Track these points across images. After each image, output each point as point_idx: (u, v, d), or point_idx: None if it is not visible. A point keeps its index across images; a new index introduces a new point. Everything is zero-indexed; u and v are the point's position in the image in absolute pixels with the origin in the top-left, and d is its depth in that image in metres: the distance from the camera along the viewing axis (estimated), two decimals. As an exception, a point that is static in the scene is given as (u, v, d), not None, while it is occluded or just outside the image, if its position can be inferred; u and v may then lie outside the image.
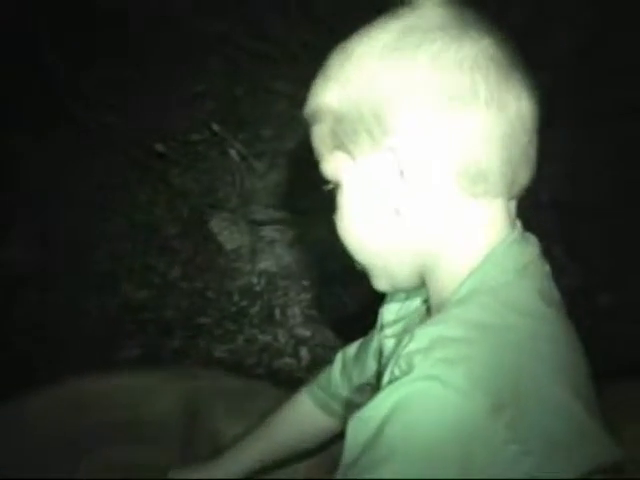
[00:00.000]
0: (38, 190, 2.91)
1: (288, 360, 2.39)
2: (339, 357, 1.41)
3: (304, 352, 2.41)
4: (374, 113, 0.88)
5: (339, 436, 1.42)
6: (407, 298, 1.16)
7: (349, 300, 2.48)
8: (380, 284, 1.02)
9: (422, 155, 0.88)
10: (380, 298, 2.41)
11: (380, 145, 0.89)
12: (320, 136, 0.95)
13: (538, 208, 2.52)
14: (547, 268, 0.94)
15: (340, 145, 0.93)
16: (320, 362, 2.39)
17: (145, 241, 2.82)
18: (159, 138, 2.81)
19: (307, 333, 2.47)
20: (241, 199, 2.82)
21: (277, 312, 2.55)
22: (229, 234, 2.76)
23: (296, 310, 2.55)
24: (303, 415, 1.44)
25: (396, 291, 1.14)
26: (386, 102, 0.87)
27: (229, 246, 2.75)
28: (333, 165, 0.95)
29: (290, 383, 2.19)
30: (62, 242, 2.81)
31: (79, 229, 2.86)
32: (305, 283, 2.62)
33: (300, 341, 2.45)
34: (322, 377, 1.44)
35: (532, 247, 0.94)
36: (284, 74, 2.96)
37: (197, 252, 2.77)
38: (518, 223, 0.95)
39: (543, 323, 0.87)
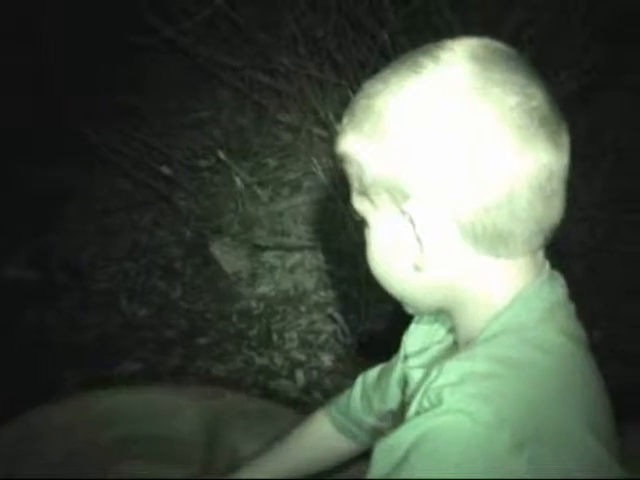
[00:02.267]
0: (42, 210, 2.98)
1: (284, 382, 2.45)
2: (359, 382, 1.37)
3: (300, 375, 2.46)
4: (396, 178, 0.87)
5: (351, 461, 1.43)
6: (432, 328, 1.14)
7: (345, 326, 2.53)
8: (407, 309, 1.01)
9: (439, 221, 0.87)
10: (376, 328, 2.49)
11: (399, 206, 0.88)
12: (348, 175, 0.94)
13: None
14: (572, 307, 0.94)
15: (364, 193, 0.92)
16: (315, 385, 2.44)
17: (148, 262, 2.89)
18: (166, 162, 2.88)
19: (302, 357, 2.53)
20: (243, 225, 2.88)
21: (274, 336, 2.60)
22: (230, 258, 2.82)
23: (293, 334, 2.60)
24: (321, 436, 1.41)
25: (421, 315, 1.13)
26: (408, 170, 0.86)
27: (229, 270, 2.81)
28: (358, 204, 0.94)
29: (286, 404, 2.25)
30: (65, 262, 2.87)
31: (83, 249, 2.92)
32: (302, 309, 2.68)
33: (296, 364, 2.51)
34: (341, 400, 1.39)
35: (559, 288, 0.93)
36: (289, 106, 3.05)
37: (198, 275, 2.83)
38: (547, 264, 0.94)
39: (568, 361, 0.88)
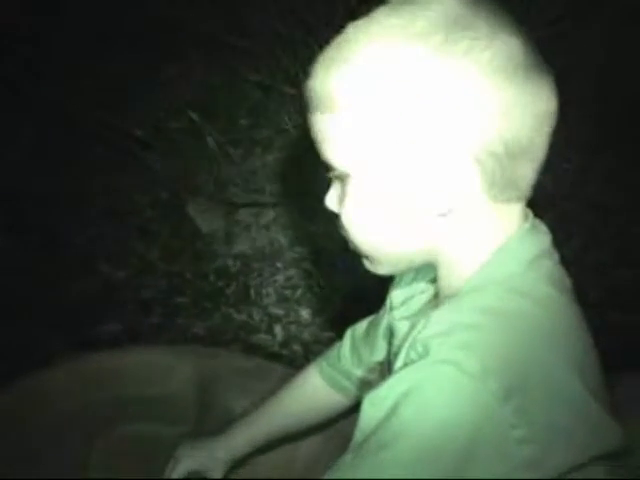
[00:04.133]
0: (18, 175, 2.99)
1: (263, 336, 2.49)
2: (348, 335, 1.36)
3: (278, 329, 2.51)
4: (413, 126, 0.84)
5: (343, 415, 1.44)
6: (415, 279, 1.12)
7: (321, 280, 2.58)
8: (379, 269, 0.99)
9: (463, 165, 0.85)
10: (352, 280, 2.52)
11: (419, 154, 0.85)
12: (333, 124, 0.89)
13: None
14: (557, 256, 0.93)
15: (362, 141, 0.87)
16: (294, 338, 2.49)
17: (124, 224, 2.91)
18: (139, 125, 2.89)
19: (281, 312, 2.57)
20: (217, 185, 2.91)
21: (252, 292, 2.64)
22: (205, 218, 2.85)
23: (270, 290, 2.65)
24: (312, 391, 1.40)
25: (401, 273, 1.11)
26: (426, 118, 0.83)
27: (205, 229, 2.84)
28: (346, 157, 0.90)
29: (266, 358, 2.30)
30: (44, 225, 2.89)
31: (60, 213, 2.94)
32: (279, 265, 2.72)
33: (274, 319, 2.55)
34: (331, 354, 1.39)
35: (544, 236, 0.93)
36: (260, 65, 3.06)
37: (175, 235, 2.86)
38: (530, 213, 0.94)
39: (555, 310, 0.88)
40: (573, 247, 2.58)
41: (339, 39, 0.89)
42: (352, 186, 0.91)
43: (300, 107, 2.82)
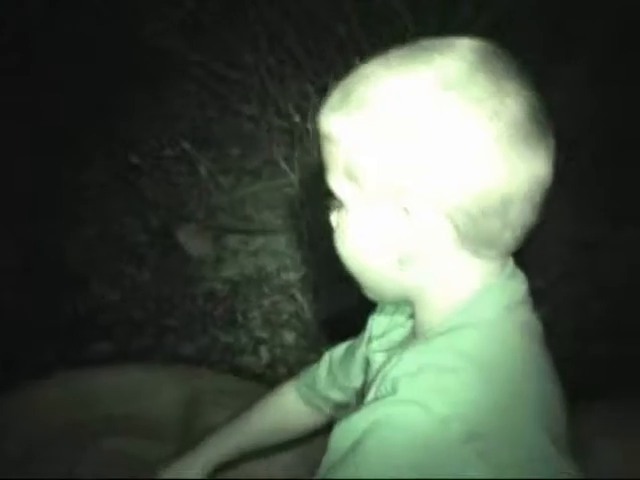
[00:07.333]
0: (16, 197, 3.06)
1: (249, 358, 2.57)
2: (326, 358, 1.38)
3: (264, 351, 2.59)
4: (396, 173, 0.85)
5: (319, 431, 1.45)
6: (395, 312, 1.14)
7: (306, 305, 2.67)
8: (368, 294, 1.00)
9: (435, 219, 0.86)
10: (336, 306, 2.60)
11: (397, 199, 0.87)
12: (332, 156, 0.91)
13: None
14: (531, 303, 0.94)
15: (352, 178, 0.89)
16: (278, 360, 2.57)
17: (116, 248, 2.99)
18: (134, 152, 2.98)
19: (266, 335, 2.66)
20: (207, 212, 3.00)
21: (239, 316, 2.73)
22: (195, 243, 2.93)
23: (257, 314, 2.73)
24: (288, 408, 1.42)
25: (383, 303, 1.14)
26: (410, 166, 0.84)
27: (195, 254, 2.92)
28: (340, 187, 0.92)
29: (252, 379, 2.37)
30: (38, 247, 2.95)
31: (55, 235, 3.00)
32: (265, 290, 2.81)
33: (260, 342, 2.63)
34: (308, 375, 1.41)
35: (520, 284, 0.94)
36: (251, 98, 3.16)
37: (165, 259, 2.94)
38: (510, 259, 0.94)
39: (525, 359, 0.89)
40: (548, 279, 2.66)
41: (352, 94, 0.88)
42: (341, 214, 0.94)
43: (290, 140, 2.93)
